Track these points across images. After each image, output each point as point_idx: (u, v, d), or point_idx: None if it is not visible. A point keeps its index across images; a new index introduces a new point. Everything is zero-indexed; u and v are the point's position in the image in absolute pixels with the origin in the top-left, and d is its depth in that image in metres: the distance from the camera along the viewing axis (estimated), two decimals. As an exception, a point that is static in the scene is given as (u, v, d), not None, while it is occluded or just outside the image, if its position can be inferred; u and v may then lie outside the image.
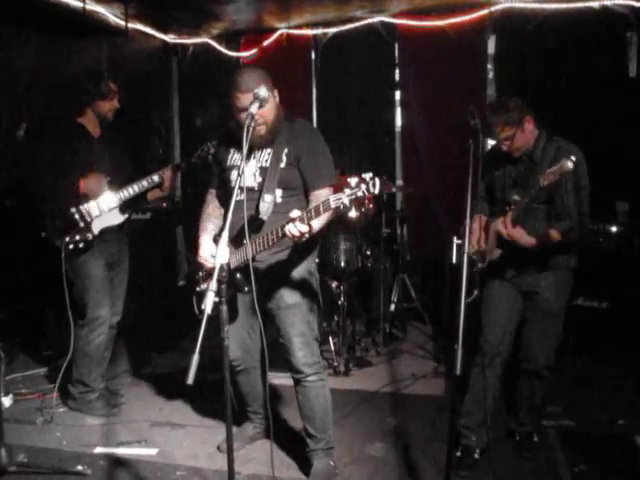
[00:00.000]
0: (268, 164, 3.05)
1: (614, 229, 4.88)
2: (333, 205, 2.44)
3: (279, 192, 3.04)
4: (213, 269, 2.34)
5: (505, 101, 3.29)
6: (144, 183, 3.89)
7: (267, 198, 3.00)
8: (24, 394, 4.27)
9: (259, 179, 3.06)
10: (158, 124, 6.61)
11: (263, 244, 2.86)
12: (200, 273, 3.24)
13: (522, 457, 3.42)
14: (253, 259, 2.87)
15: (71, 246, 3.73)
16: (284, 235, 2.71)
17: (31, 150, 3.87)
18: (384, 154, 6.34)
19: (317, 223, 2.73)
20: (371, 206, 2.54)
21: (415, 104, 6.06)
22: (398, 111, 6.31)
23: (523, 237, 3.11)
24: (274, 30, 6.16)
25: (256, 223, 2.98)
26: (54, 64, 5.01)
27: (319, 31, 6.09)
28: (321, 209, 2.53)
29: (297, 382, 3.23)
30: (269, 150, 3.07)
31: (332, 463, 3.26)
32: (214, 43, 6.38)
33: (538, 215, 3.24)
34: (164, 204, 5.48)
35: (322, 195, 2.98)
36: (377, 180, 2.33)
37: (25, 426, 3.82)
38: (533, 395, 3.50)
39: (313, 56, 6.36)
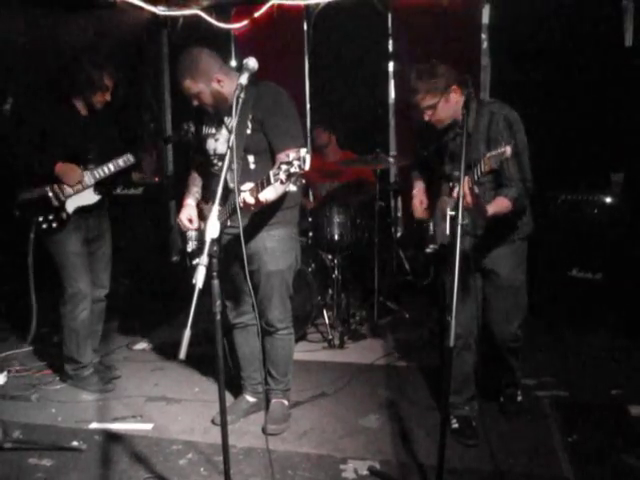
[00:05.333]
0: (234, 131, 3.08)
1: (608, 200, 4.87)
2: (273, 180, 2.54)
3: (251, 158, 3.15)
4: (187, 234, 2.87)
5: (433, 66, 3.05)
6: (120, 162, 3.83)
7: (233, 166, 3.02)
8: (19, 371, 4.27)
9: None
10: (149, 98, 6.54)
11: (226, 213, 2.96)
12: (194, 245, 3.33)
13: (508, 418, 3.47)
14: (225, 227, 2.99)
15: (44, 225, 3.72)
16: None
17: (16, 124, 3.79)
18: (378, 126, 6.29)
19: (268, 195, 2.79)
20: (303, 181, 2.69)
21: (408, 75, 5.99)
22: (392, 83, 6.26)
23: (478, 207, 2.87)
24: (265, 1, 6.05)
25: (224, 191, 2.98)
26: (42, 37, 4.93)
27: (311, 1, 5.99)
28: (265, 183, 2.63)
29: (267, 333, 3.45)
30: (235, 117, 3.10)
31: (286, 403, 3.58)
32: (204, 15, 6.27)
33: (485, 188, 3.08)
34: (156, 178, 5.44)
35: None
36: (307, 156, 2.43)
37: (20, 403, 3.82)
38: (508, 366, 3.50)
39: (305, 27, 6.28)
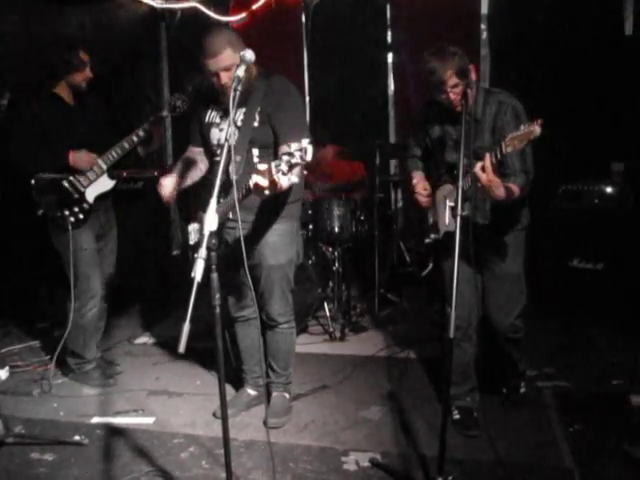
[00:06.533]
0: (241, 124, 3.08)
1: (609, 189, 4.86)
2: (274, 172, 2.42)
3: (255, 151, 3.12)
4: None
5: (447, 47, 2.97)
6: (125, 145, 3.79)
7: (237, 158, 3.03)
8: (20, 366, 4.27)
9: (236, 136, 3.09)
10: (148, 91, 6.51)
11: (228, 206, 2.90)
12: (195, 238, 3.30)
13: (510, 409, 3.46)
14: (228, 219, 2.97)
15: (72, 219, 3.71)
16: (249, 191, 2.68)
17: (9, 122, 3.79)
18: (377, 118, 6.28)
19: (282, 180, 2.60)
20: (305, 172, 2.59)
21: (408, 66, 5.99)
22: (391, 74, 6.24)
23: (500, 186, 2.79)
24: (263, -8, 6.05)
25: (226, 184, 2.92)
26: (39, 31, 4.90)
27: (309, -8, 5.99)
28: (268, 174, 2.49)
29: (269, 327, 3.45)
30: (243, 109, 3.10)
31: (287, 396, 3.59)
32: (202, 7, 6.23)
33: None
34: (155, 173, 5.43)
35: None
36: (310, 147, 2.35)
37: (22, 398, 3.83)
38: (509, 355, 3.48)
39: (303, 19, 6.26)
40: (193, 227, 3.32)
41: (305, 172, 4.29)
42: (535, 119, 2.58)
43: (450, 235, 3.02)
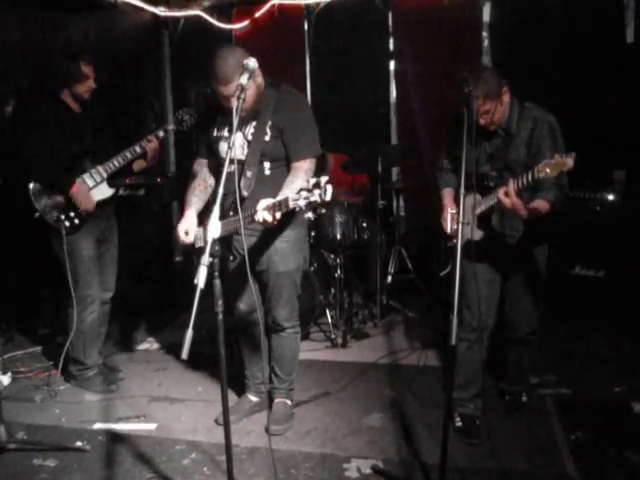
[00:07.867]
0: (252, 138, 3.08)
1: (611, 197, 4.86)
2: (291, 205, 2.48)
3: (267, 164, 3.12)
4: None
5: (483, 72, 3.05)
6: (127, 154, 3.83)
7: (248, 174, 3.06)
8: (22, 372, 4.28)
9: (246, 151, 3.10)
10: (150, 98, 6.53)
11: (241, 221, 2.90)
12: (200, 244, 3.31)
13: (512, 416, 3.49)
14: (237, 232, 2.98)
15: (67, 223, 3.72)
16: (253, 221, 2.76)
17: (15, 128, 3.80)
18: (379, 125, 6.30)
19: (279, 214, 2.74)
20: (324, 210, 2.64)
21: (409, 73, 6.01)
22: (393, 82, 6.26)
23: (523, 208, 2.94)
24: (266, 0, 6.05)
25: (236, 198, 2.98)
26: (43, 39, 4.92)
27: (311, 0, 5.98)
28: (282, 206, 2.58)
29: (274, 332, 3.46)
30: (254, 123, 3.09)
31: (289, 403, 3.58)
32: (205, 15, 6.25)
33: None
34: (158, 179, 5.45)
35: (302, 167, 3.05)
36: (329, 187, 2.36)
37: (24, 404, 3.83)
38: (520, 360, 3.57)
39: (306, 26, 6.29)
40: (199, 233, 3.33)
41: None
42: (570, 152, 2.72)
43: (471, 242, 3.12)
